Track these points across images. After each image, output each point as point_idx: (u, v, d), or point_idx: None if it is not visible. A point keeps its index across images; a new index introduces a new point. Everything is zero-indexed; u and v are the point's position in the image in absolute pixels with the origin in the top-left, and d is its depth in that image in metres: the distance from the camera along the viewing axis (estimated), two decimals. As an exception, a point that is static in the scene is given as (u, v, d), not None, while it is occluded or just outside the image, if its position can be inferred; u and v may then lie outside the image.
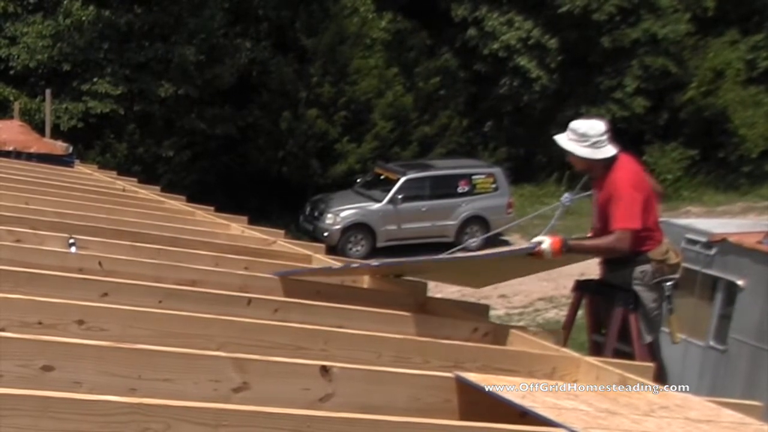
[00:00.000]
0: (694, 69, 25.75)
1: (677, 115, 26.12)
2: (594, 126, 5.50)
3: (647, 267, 5.54)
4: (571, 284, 6.25)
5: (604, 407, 3.32)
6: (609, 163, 5.48)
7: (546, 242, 4.88)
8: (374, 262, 4.65)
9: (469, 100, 24.96)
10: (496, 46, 24.45)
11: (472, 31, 24.63)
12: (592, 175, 5.67)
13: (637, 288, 5.54)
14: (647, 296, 5.56)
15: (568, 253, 5.01)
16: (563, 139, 5.56)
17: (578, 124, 5.55)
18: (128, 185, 9.08)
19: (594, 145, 5.44)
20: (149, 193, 8.74)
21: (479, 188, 20.75)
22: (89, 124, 20.18)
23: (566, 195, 6.19)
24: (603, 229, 5.53)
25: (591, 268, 6.11)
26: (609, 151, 5.47)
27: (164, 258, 5.14)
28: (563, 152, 5.67)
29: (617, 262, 5.59)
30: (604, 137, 5.46)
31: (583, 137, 5.45)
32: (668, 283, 5.62)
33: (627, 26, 25.10)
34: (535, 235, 5.18)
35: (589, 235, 5.83)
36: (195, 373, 2.99)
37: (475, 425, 2.96)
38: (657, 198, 5.75)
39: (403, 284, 5.36)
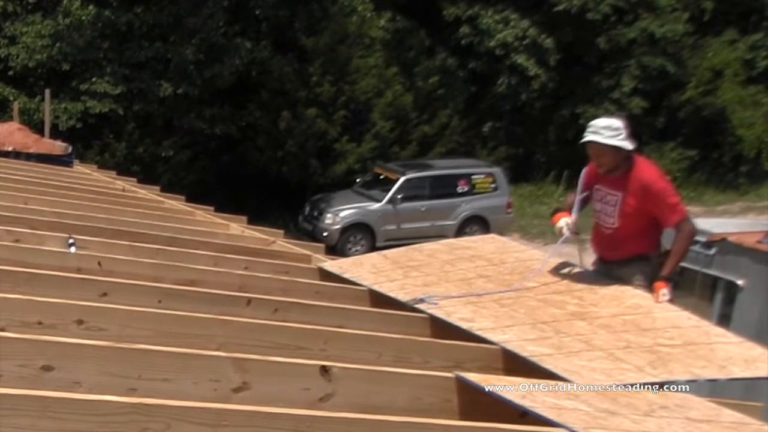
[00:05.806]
0: (693, 69, 25.73)
1: (676, 115, 26.11)
2: (613, 121, 5.53)
3: (646, 268, 5.53)
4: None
5: (604, 407, 3.32)
6: (630, 159, 5.48)
7: (666, 295, 5.23)
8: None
9: (468, 100, 24.95)
10: (492, 44, 24.41)
11: (465, 29, 24.58)
12: (613, 172, 5.51)
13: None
14: None
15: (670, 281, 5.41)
16: (590, 136, 5.44)
17: (598, 120, 5.57)
18: (127, 185, 9.08)
19: (618, 137, 5.42)
20: (148, 193, 8.74)
21: (479, 188, 20.74)
22: (88, 124, 20.16)
23: (566, 230, 5.96)
24: (628, 223, 5.48)
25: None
26: (631, 144, 5.48)
27: (163, 258, 5.13)
28: (587, 157, 5.54)
29: (616, 262, 5.58)
30: (624, 132, 5.46)
31: (607, 128, 5.44)
32: None
33: (624, 26, 25.09)
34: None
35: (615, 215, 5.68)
36: (195, 373, 2.98)
37: (476, 425, 2.96)
38: None
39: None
